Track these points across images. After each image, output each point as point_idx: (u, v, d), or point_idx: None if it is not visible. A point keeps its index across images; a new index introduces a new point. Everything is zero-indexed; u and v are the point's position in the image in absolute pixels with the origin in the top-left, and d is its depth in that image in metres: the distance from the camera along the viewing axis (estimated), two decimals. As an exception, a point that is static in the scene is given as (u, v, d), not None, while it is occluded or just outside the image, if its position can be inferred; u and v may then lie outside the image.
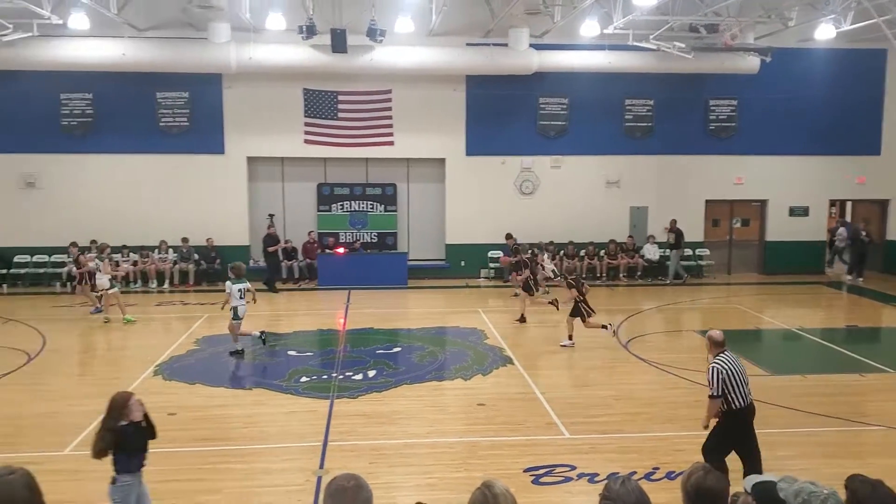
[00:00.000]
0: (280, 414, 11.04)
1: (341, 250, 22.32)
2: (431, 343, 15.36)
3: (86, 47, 19.70)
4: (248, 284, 14.35)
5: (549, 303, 17.42)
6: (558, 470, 8.84)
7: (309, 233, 22.54)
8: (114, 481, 6.46)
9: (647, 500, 3.48)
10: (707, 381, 7.88)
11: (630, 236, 23.22)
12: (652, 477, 8.61)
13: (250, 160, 22.24)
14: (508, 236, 20.57)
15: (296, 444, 9.79)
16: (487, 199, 22.85)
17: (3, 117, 21.20)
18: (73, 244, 19.67)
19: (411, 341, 15.72)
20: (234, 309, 14.07)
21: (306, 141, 22.08)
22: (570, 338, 14.96)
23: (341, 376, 12.77)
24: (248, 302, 14.36)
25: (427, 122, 22.29)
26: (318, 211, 22.79)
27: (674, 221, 22.93)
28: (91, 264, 17.70)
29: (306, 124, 22.06)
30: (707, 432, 7.98)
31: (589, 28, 18.90)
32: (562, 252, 22.73)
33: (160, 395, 11.86)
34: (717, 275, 23.80)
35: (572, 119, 22.90)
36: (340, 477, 3.28)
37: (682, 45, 20.25)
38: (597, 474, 8.68)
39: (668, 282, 22.61)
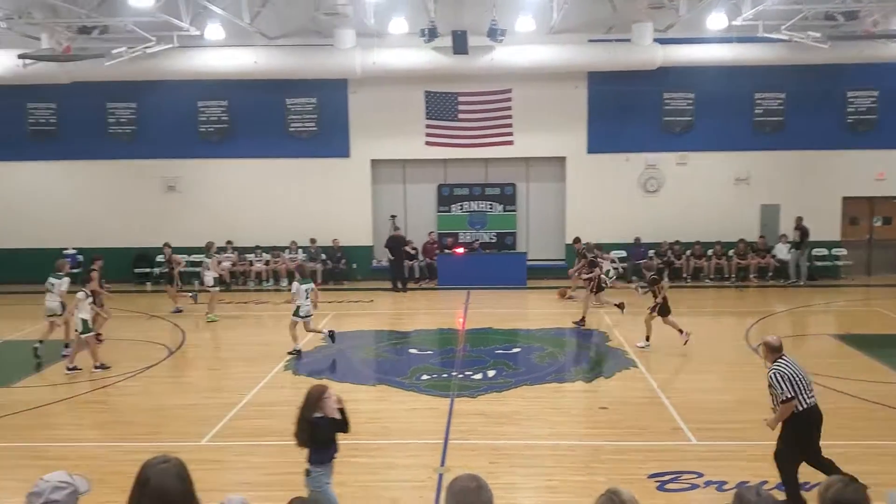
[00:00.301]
0: (402, 410, 11.26)
1: (460, 250, 22.51)
2: (551, 344, 15.26)
3: (221, 56, 20.72)
4: (312, 285, 14.69)
5: (616, 305, 16.93)
6: (685, 477, 8.61)
7: (429, 233, 22.85)
8: (308, 473, 6.67)
9: None
10: (770, 387, 7.71)
11: (762, 236, 22.26)
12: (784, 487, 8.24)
13: (374, 163, 22.77)
14: (576, 240, 20.05)
15: (418, 441, 9.96)
16: (609, 197, 22.47)
17: (147, 125, 22.60)
18: (167, 244, 20.15)
19: (531, 342, 15.67)
20: (297, 308, 14.44)
21: (427, 143, 22.40)
22: (647, 339, 14.49)
23: (461, 375, 12.88)
24: (311, 302, 14.62)
25: (547, 121, 22.15)
26: (438, 211, 23.07)
27: (799, 219, 21.82)
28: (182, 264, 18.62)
29: (427, 126, 22.38)
30: (776, 435, 7.85)
31: (716, 20, 18.27)
32: (688, 252, 22.09)
33: (289, 390, 12.35)
34: (854, 276, 22.47)
35: (698, 114, 22.20)
36: (463, 477, 3.30)
37: (817, 35, 19.22)
38: (725, 482, 8.39)
39: (800, 282, 21.54)
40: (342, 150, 22.51)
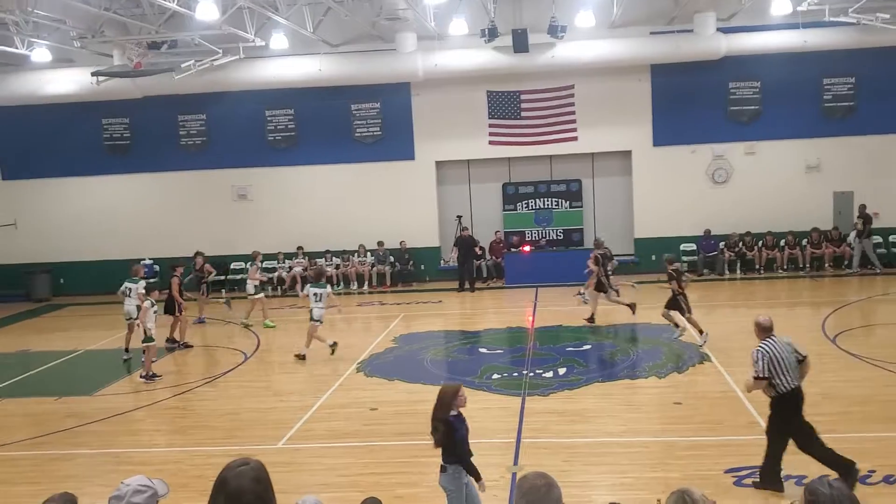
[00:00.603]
0: (474, 410, 11.16)
1: (527, 248, 22.42)
2: (622, 340, 15.10)
3: (286, 65, 21.14)
4: (327, 289, 14.61)
5: (627, 304, 16.63)
6: (763, 472, 8.40)
7: (496, 232, 22.84)
8: (444, 469, 6.75)
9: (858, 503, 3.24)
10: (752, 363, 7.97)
11: (835, 227, 21.53)
12: (867, 481, 8.01)
13: (438, 164, 22.89)
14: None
15: (490, 440, 9.95)
16: (677, 190, 22.08)
17: (216, 136, 23.20)
18: (198, 253, 19.66)
19: (601, 339, 15.54)
20: (311, 311, 14.47)
21: (491, 142, 22.40)
22: (701, 333, 14.17)
23: (532, 374, 12.86)
24: (331, 307, 14.59)
25: (611, 115, 21.91)
26: (504, 210, 23.04)
27: (863, 206, 21.01)
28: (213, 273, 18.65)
29: (490, 125, 22.37)
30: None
31: (780, 6, 17.78)
32: (760, 243, 21.57)
33: (362, 391, 12.54)
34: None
35: (765, 103, 21.64)
36: (532, 475, 3.30)
37: (886, 16, 18.50)
38: (805, 476, 8.16)
39: (876, 270, 20.83)
40: (407, 153, 22.69)
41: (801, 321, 16.47)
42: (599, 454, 9.32)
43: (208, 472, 9.16)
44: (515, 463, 9.10)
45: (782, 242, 21.57)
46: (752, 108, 21.75)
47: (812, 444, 7.96)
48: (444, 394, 6.70)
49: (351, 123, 22.85)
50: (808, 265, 21.36)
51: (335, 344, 14.69)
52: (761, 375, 7.80)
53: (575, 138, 22.16)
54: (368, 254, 22.76)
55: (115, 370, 14.69)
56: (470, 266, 21.79)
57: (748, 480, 8.24)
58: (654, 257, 22.25)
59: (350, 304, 20.14)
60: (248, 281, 17.92)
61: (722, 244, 21.71)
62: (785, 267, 21.45)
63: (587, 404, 11.17)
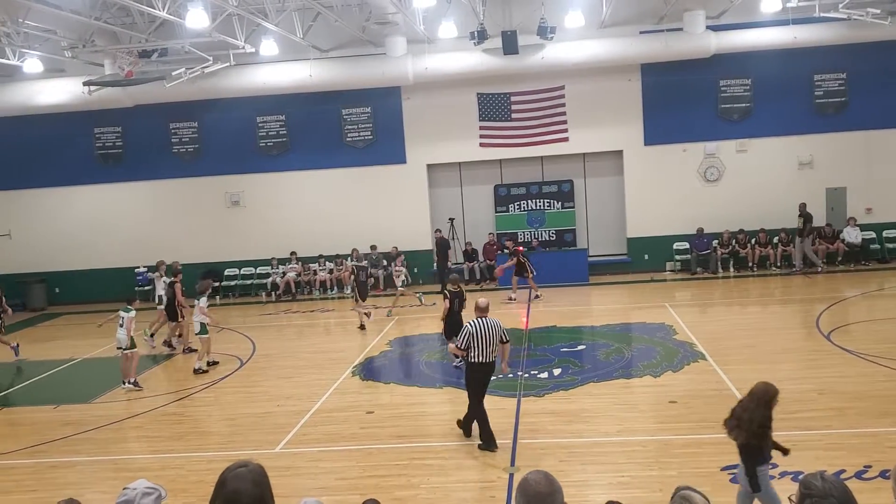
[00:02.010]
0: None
1: (521, 249, 22.41)
2: (617, 340, 15.16)
3: (276, 72, 21.17)
4: (201, 302, 14.59)
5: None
6: (758, 468, 8.46)
7: (488, 234, 22.89)
8: (753, 471, 6.75)
9: (852, 496, 3.29)
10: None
11: (828, 224, 21.64)
12: (864, 476, 8.08)
13: (430, 167, 22.93)
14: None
15: (487, 442, 10.01)
16: (669, 188, 22.17)
17: (209, 143, 23.22)
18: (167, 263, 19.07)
19: (596, 338, 15.59)
20: (202, 326, 14.47)
21: (482, 144, 22.46)
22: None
23: (527, 375, 12.90)
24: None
25: (602, 115, 21.99)
26: (496, 212, 23.09)
27: (803, 205, 21.07)
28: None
29: (481, 128, 22.43)
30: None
31: (770, 3, 17.89)
32: (753, 240, 21.67)
33: (358, 395, 12.58)
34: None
35: (756, 100, 21.76)
36: (536, 479, 3.21)
37: (877, 11, 18.68)
38: (801, 472, 8.22)
39: (796, 270, 21.08)
40: (398, 157, 22.73)
41: (796, 318, 16.58)
42: (596, 454, 9.37)
43: (208, 478, 9.20)
44: (512, 464, 9.15)
45: (775, 239, 21.68)
46: (744, 105, 21.87)
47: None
48: (764, 392, 6.71)
49: (342, 128, 22.89)
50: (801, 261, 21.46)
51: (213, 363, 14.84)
52: (460, 346, 9.68)
53: (566, 139, 22.24)
54: (364, 257, 22.71)
55: (112, 378, 14.66)
56: (444, 268, 21.59)
57: (744, 476, 8.29)
58: (646, 256, 22.39)
59: (343, 308, 20.15)
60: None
61: (715, 242, 21.80)
62: (778, 264, 21.55)
63: (583, 404, 11.22)
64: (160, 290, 17.48)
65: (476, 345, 9.58)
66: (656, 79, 21.73)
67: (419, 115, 22.52)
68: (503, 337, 9.85)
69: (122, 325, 14.02)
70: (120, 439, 11.21)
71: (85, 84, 20.20)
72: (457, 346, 9.77)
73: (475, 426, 9.92)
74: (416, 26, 19.65)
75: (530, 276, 19.41)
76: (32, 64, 19.00)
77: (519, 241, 22.36)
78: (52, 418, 12.39)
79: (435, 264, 22.14)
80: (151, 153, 23.31)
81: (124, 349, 13.82)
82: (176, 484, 8.94)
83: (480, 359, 9.63)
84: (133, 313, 13.96)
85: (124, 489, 3.40)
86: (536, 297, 19.52)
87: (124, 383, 13.78)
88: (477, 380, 9.76)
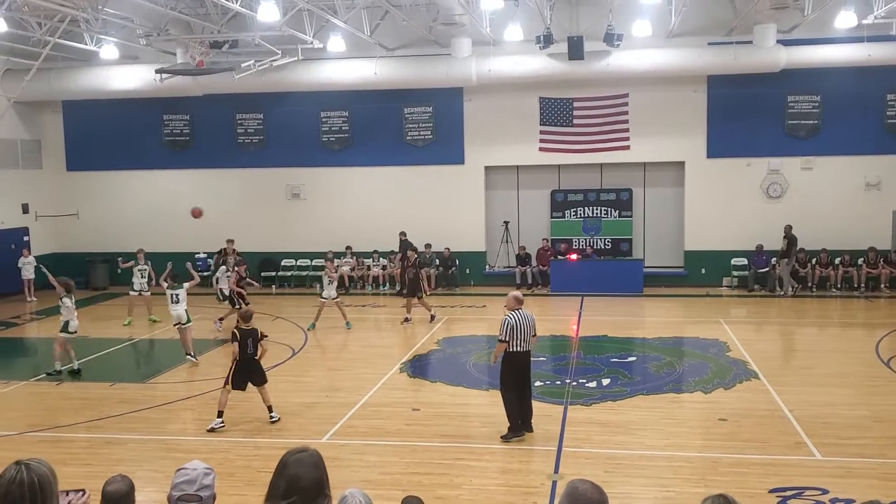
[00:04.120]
0: (516, 416, 11.32)
1: (574, 256, 22.36)
2: (668, 353, 14.98)
3: (342, 68, 21.46)
4: (67, 301, 14.04)
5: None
6: (808, 493, 8.32)
7: (543, 239, 22.81)
8: None
9: None
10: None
11: (895, 250, 21.01)
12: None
13: (488, 169, 22.95)
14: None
15: (531, 447, 10.02)
16: (730, 203, 21.81)
17: (273, 135, 23.63)
18: (229, 241, 20.27)
19: (647, 351, 15.44)
20: (66, 323, 13.95)
21: (541, 148, 22.39)
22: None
23: (575, 383, 12.85)
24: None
25: (665, 125, 21.74)
26: (552, 217, 23.00)
27: (788, 227, 20.69)
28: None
29: (542, 132, 22.37)
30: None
31: (845, 19, 17.44)
32: (814, 260, 21.19)
33: (405, 392, 12.68)
34: None
35: (825, 117, 21.26)
36: (586, 489, 3.17)
37: (959, 31, 18.11)
38: (853, 501, 8.05)
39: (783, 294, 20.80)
40: (457, 158, 22.82)
41: (855, 342, 16.16)
42: (641, 466, 9.29)
43: (254, 463, 9.41)
44: (556, 471, 9.13)
45: (837, 261, 21.16)
46: (811, 122, 21.39)
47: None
48: None
49: (403, 126, 23.07)
50: (863, 285, 20.91)
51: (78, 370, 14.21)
52: (503, 339, 9.99)
53: (627, 147, 22.04)
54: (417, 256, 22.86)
55: (168, 359, 15.07)
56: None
57: (793, 501, 8.15)
58: (703, 271, 22.06)
59: (395, 306, 20.29)
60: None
61: (774, 260, 21.37)
62: (839, 286, 21.04)
63: (630, 416, 11.13)
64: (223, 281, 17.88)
65: (516, 335, 9.98)
66: (722, 91, 21.40)
67: (480, 117, 22.56)
68: (535, 330, 10.29)
69: (177, 302, 14.57)
70: (172, 420, 11.50)
71: (157, 72, 20.74)
72: (499, 338, 10.09)
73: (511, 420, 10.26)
74: (482, 28, 19.69)
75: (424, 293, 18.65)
76: (109, 50, 19.66)
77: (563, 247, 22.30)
78: (109, 395, 12.76)
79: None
80: (217, 142, 23.83)
81: (183, 324, 14.58)
82: (222, 468, 9.13)
83: (519, 347, 10.06)
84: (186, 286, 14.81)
85: (183, 468, 3.50)
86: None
87: (190, 355, 14.46)
88: (517, 368, 10.16)
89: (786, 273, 20.87)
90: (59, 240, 24.65)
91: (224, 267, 18.09)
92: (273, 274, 23.50)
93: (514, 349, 10.05)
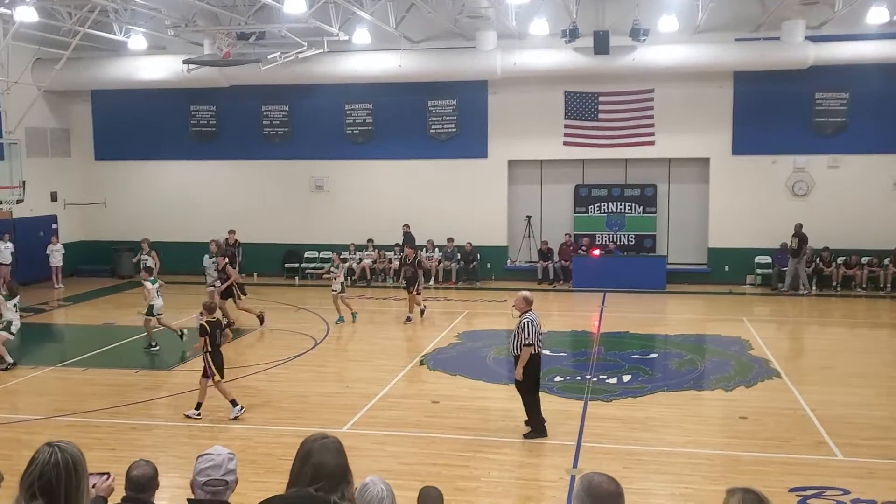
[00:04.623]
0: (535, 410, 11.34)
1: (597, 252, 22.29)
2: (690, 351, 14.93)
3: (367, 60, 21.53)
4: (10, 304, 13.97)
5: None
6: (829, 493, 8.29)
7: (565, 234, 22.76)
8: None
9: None
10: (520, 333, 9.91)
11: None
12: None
13: (511, 163, 22.93)
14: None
15: (549, 442, 10.05)
16: (755, 200, 21.63)
17: (298, 127, 23.76)
18: (231, 231, 21.10)
19: (669, 347, 15.39)
20: (8, 323, 13.79)
21: (566, 143, 22.32)
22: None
23: (595, 379, 12.85)
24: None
25: (690, 121, 21.60)
26: (575, 212, 22.94)
27: (798, 225, 20.47)
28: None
29: (566, 126, 22.30)
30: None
31: (876, 15, 17.25)
32: (839, 259, 20.97)
33: (425, 384, 12.75)
34: None
35: (853, 115, 21.00)
36: (603, 481, 3.19)
37: None
38: (874, 502, 8.00)
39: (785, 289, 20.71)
40: (480, 151, 22.81)
41: (878, 342, 16.02)
42: (661, 463, 9.29)
43: (276, 451, 9.52)
44: (575, 466, 9.15)
45: (863, 260, 20.93)
46: (839, 120, 21.15)
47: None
48: None
49: (427, 119, 23.09)
50: (889, 285, 20.68)
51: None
52: (528, 342, 9.85)
53: (652, 143, 21.92)
54: (436, 249, 22.95)
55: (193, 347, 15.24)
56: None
57: (813, 501, 8.12)
58: (727, 268, 21.91)
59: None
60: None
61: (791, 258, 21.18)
62: (864, 286, 20.82)
63: (651, 413, 11.12)
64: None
65: (538, 338, 10.05)
66: (749, 87, 21.22)
67: (504, 111, 22.54)
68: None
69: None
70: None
71: (184, 62, 20.93)
72: (526, 343, 9.92)
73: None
74: (507, 21, 19.68)
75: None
76: (137, 40, 19.85)
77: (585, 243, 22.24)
78: (134, 382, 12.95)
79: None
80: (243, 134, 23.99)
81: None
82: (244, 454, 9.24)
83: (539, 349, 10.05)
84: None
85: (206, 454, 3.57)
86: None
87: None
88: (536, 370, 10.13)
89: (802, 271, 20.68)
90: (86, 228, 24.98)
91: (208, 257, 18.33)
92: (296, 265, 23.66)
93: (537, 350, 10.04)
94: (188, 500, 3.50)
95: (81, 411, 11.22)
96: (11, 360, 13.83)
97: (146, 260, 19.23)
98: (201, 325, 11.05)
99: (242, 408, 11.01)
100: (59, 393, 12.53)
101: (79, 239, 24.61)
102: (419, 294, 17.79)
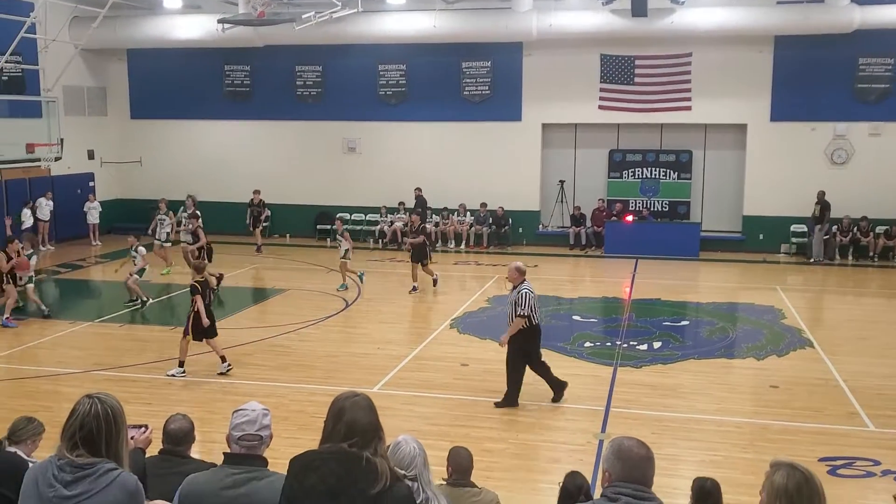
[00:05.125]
0: (563, 375, 11.30)
1: (630, 218, 22.11)
2: (722, 319, 14.83)
3: (401, 20, 21.37)
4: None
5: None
6: (859, 463, 8.25)
7: (598, 199, 22.58)
8: None
9: None
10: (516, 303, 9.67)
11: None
12: (973, 486, 7.73)
13: (545, 127, 22.72)
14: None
15: (578, 406, 10.10)
16: (792, 168, 21.24)
17: (331, 88, 23.71)
18: (256, 191, 21.84)
19: (700, 315, 15.31)
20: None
21: (601, 107, 22.05)
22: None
23: (625, 345, 12.83)
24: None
25: (728, 86, 21.18)
26: (609, 178, 22.73)
27: (821, 193, 20.05)
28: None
29: (601, 90, 22.01)
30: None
31: (927, -23, 16.71)
32: (878, 229, 20.58)
33: (454, 347, 12.82)
34: None
35: (898, 81, 20.48)
36: (633, 445, 3.25)
37: None
38: (908, 474, 7.96)
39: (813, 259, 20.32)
40: (514, 114, 22.62)
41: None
42: (689, 430, 9.30)
43: (308, 409, 9.68)
44: (603, 430, 9.20)
45: (903, 229, 20.55)
46: (882, 86, 20.62)
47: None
48: None
49: (460, 81, 22.91)
50: (928, 256, 20.31)
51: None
52: (525, 313, 9.58)
53: (689, 108, 21.56)
54: (468, 213, 22.91)
55: (227, 305, 15.47)
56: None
57: (843, 471, 8.09)
58: (761, 236, 21.64)
59: (447, 263, 20.39)
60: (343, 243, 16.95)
61: (835, 228, 20.84)
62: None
63: (680, 380, 11.11)
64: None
65: (536, 309, 9.83)
66: (790, 52, 20.74)
67: (539, 73, 22.28)
68: None
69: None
70: (231, 364, 11.81)
71: (219, 21, 20.85)
72: (521, 313, 9.62)
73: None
74: (544, -18, 19.38)
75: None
76: (172, -1, 19.86)
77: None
78: (170, 338, 13.15)
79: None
80: (277, 94, 24.01)
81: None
82: (277, 411, 9.37)
83: (537, 321, 9.88)
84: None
85: (241, 409, 3.63)
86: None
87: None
88: (537, 342, 9.96)
89: (820, 240, 20.36)
90: (122, 186, 25.29)
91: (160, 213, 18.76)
92: (328, 227, 23.74)
93: (536, 322, 9.85)
94: (224, 453, 3.57)
95: (119, 366, 11.46)
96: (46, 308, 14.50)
97: (163, 220, 19.00)
98: (192, 285, 11.31)
99: (184, 372, 11.16)
100: (96, 347, 12.81)
101: (115, 197, 24.94)
102: (425, 266, 16.83)
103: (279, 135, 24.21)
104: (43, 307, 14.45)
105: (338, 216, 20.47)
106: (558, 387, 10.13)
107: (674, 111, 21.67)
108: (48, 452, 3.44)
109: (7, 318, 13.88)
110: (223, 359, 11.27)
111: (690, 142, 22.30)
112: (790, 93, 20.95)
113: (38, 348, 12.86)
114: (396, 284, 17.74)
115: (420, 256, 16.71)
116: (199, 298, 11.05)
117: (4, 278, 14.13)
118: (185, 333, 11.19)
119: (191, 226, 17.84)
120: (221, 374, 11.17)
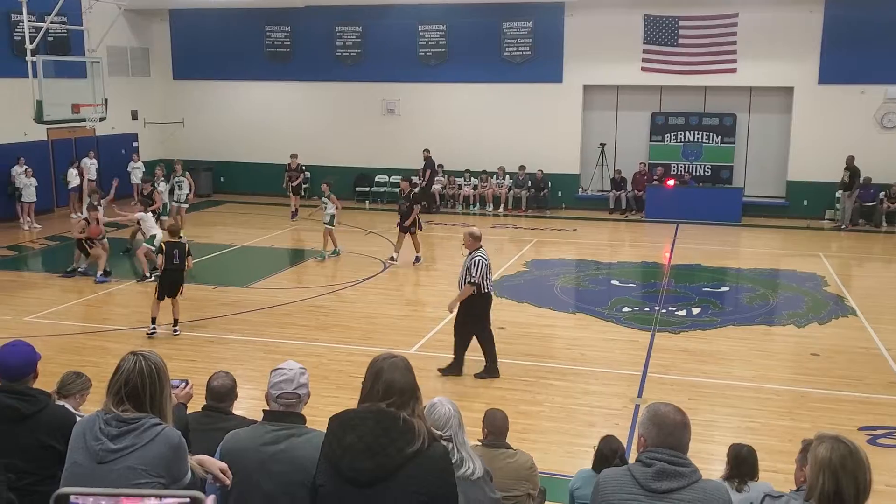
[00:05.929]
0: (601, 340, 11.39)
1: (671, 182, 21.81)
2: (763, 285, 14.65)
3: (441, -19, 21.14)
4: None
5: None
6: (900, 434, 8.15)
7: (639, 163, 22.30)
8: None
9: None
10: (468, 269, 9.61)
11: None
12: None
13: (586, 88, 22.42)
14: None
15: (615, 371, 10.11)
16: (840, 132, 20.72)
17: (371, 49, 23.61)
18: (293, 155, 21.47)
19: (741, 281, 15.14)
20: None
21: (643, 69, 21.66)
22: None
23: (664, 310, 12.76)
24: None
25: (775, 48, 20.65)
26: (651, 141, 22.41)
27: (850, 158, 19.54)
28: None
29: (644, 51, 21.61)
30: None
31: None
32: (928, 196, 20.08)
33: (492, 310, 12.80)
34: None
35: (955, 42, 19.77)
36: (669, 411, 3.24)
37: None
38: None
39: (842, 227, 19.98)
40: (555, 76, 22.34)
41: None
42: (727, 396, 9.26)
43: (347, 368, 9.83)
44: (640, 395, 9.20)
45: (954, 198, 20.01)
46: (938, 48, 19.95)
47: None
48: None
49: (501, 42, 22.65)
50: (980, 225, 19.78)
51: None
52: (474, 281, 9.52)
53: (734, 70, 21.08)
54: (507, 176, 22.79)
55: (268, 266, 15.68)
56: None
57: (884, 440, 8.01)
58: (805, 202, 21.23)
59: (484, 226, 20.29)
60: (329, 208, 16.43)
61: (882, 194, 20.35)
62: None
63: (719, 346, 11.04)
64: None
65: (487, 277, 9.76)
66: (841, 12, 20.11)
67: (580, 34, 21.93)
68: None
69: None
70: (271, 324, 12.02)
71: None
72: (471, 281, 9.56)
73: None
74: (587, -59, 18.99)
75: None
76: (213, -40, 19.86)
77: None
78: (212, 297, 13.44)
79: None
80: (316, 55, 23.99)
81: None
82: (317, 370, 9.55)
83: (490, 289, 9.91)
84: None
85: (279, 368, 3.71)
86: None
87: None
88: (487, 310, 9.90)
89: (849, 206, 19.98)
90: (165, 146, 25.60)
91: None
92: (367, 189, 23.85)
93: (487, 290, 9.79)
94: (263, 410, 3.66)
95: (162, 324, 11.72)
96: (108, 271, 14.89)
97: (181, 182, 18.86)
98: (160, 245, 11.81)
99: (155, 329, 11.34)
100: (140, 305, 13.07)
101: (158, 157, 25.25)
102: (414, 235, 15.95)
103: (318, 96, 24.23)
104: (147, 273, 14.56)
105: (325, 179, 18.22)
106: (493, 364, 9.82)
107: (718, 73, 21.21)
108: (95, 406, 3.56)
109: (100, 274, 14.47)
110: (175, 322, 11.46)
111: (735, 105, 21.85)
112: (840, 54, 20.36)
113: (85, 304, 13.21)
114: (434, 247, 17.78)
115: (405, 224, 15.78)
116: (161, 258, 11.43)
117: (89, 243, 14.59)
118: (156, 292, 11.54)
119: (144, 190, 17.67)
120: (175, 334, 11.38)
